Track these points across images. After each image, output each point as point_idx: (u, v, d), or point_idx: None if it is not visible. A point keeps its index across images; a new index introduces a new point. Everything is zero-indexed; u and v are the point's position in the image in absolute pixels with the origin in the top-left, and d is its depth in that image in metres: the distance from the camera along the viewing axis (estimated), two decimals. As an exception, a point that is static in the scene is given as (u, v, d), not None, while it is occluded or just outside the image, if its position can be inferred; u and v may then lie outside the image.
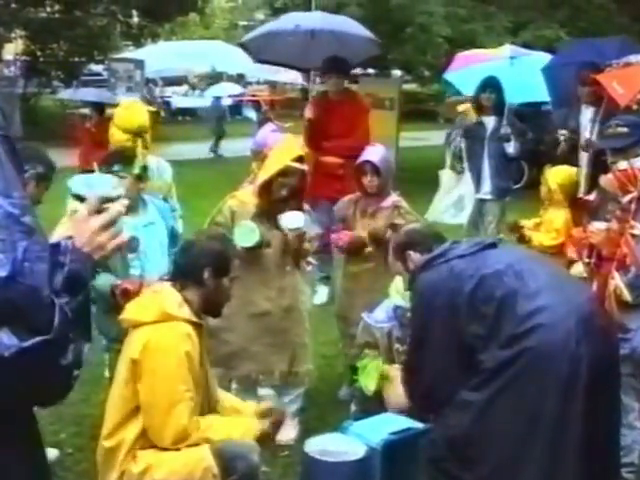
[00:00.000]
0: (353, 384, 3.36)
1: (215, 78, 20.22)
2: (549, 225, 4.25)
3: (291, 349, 3.38)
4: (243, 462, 2.40)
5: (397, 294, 3.19)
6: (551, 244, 4.16)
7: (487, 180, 5.56)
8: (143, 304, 2.52)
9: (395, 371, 3.11)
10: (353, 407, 3.36)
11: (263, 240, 3.23)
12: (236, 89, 18.39)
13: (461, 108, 6.02)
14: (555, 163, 4.64)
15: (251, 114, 17.94)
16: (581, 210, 4.23)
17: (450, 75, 7.59)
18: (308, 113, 5.29)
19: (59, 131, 9.89)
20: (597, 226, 3.04)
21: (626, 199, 2.84)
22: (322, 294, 5.35)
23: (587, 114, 5.02)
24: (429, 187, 8.01)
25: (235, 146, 14.02)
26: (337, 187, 4.73)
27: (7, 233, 1.11)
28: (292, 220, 3.24)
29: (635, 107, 4.40)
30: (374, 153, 3.74)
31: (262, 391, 3.46)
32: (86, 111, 7.93)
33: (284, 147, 3.42)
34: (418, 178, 8.95)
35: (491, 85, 5.59)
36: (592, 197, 3.88)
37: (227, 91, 16.76)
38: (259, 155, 3.67)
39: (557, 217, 4.24)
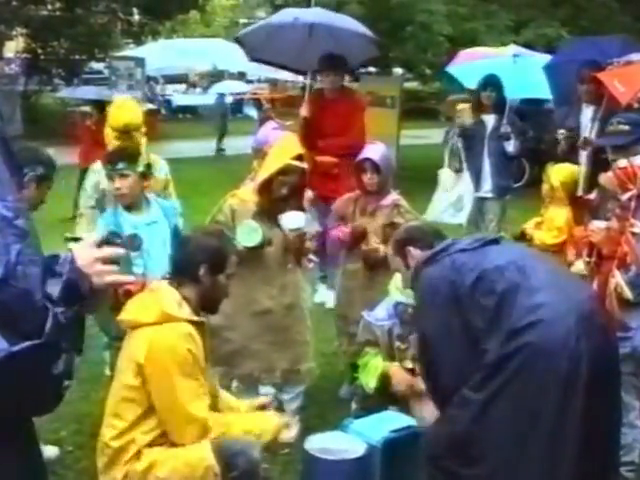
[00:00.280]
0: (354, 382, 3.36)
1: (216, 76, 20.22)
2: (550, 223, 4.25)
3: (293, 347, 3.38)
4: (244, 458, 2.41)
5: (397, 291, 3.19)
6: (553, 242, 4.16)
7: (487, 178, 5.56)
8: (142, 304, 2.51)
9: (397, 370, 3.11)
10: (354, 405, 3.36)
11: (265, 239, 3.23)
12: (241, 86, 18.41)
13: (459, 107, 5.99)
14: (556, 161, 4.64)
15: (252, 112, 17.96)
16: (582, 209, 4.23)
17: (452, 69, 7.58)
18: (303, 111, 5.22)
19: (60, 129, 9.90)
20: (597, 225, 3.04)
21: (626, 197, 2.85)
22: (322, 293, 5.33)
23: (587, 113, 5.02)
24: (430, 185, 8.00)
25: (236, 144, 14.02)
26: (331, 187, 4.68)
27: (0, 236, 1.11)
28: (293, 220, 3.24)
29: (636, 105, 4.40)
30: (374, 151, 3.74)
31: (263, 389, 3.46)
32: (87, 109, 7.93)
33: (284, 145, 3.41)
34: (419, 176, 8.95)
35: (491, 83, 5.58)
36: (593, 196, 3.88)
37: (231, 88, 16.75)
38: (260, 153, 3.66)
39: (559, 215, 4.24)
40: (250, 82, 22.61)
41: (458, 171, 7.54)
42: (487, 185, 5.57)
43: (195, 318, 2.47)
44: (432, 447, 2.44)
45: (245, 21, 28.18)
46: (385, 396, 3.16)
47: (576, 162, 4.75)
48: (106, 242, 1.37)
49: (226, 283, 2.57)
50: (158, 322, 2.41)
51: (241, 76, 21.06)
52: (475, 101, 5.68)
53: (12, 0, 15.41)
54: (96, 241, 1.34)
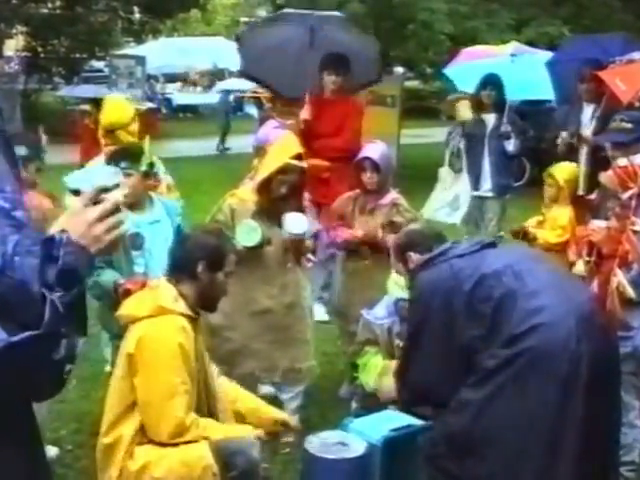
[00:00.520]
0: (354, 381, 3.35)
1: (216, 75, 20.20)
2: (554, 222, 4.24)
3: (294, 346, 3.37)
4: (243, 458, 2.39)
5: (396, 286, 3.19)
6: (557, 241, 4.15)
7: (487, 178, 5.54)
8: (139, 300, 2.52)
9: (385, 380, 3.11)
10: (354, 404, 3.36)
11: (264, 239, 3.23)
12: (246, 84, 18.36)
13: (458, 103, 5.94)
14: (556, 161, 4.63)
15: (252, 111, 17.92)
16: (582, 208, 4.23)
17: (449, 70, 7.58)
18: (304, 114, 4.99)
19: (60, 127, 9.88)
20: (597, 224, 3.04)
21: (626, 195, 2.84)
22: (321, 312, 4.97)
23: (587, 111, 5.02)
24: (430, 185, 7.97)
25: (237, 142, 14.01)
26: (322, 191, 4.55)
27: None
28: (296, 225, 3.24)
29: (637, 104, 4.39)
30: (374, 150, 3.74)
31: (263, 388, 3.46)
32: (87, 108, 7.92)
33: (283, 145, 3.41)
34: (419, 175, 8.92)
35: (492, 82, 5.57)
36: (594, 195, 3.88)
37: (236, 86, 16.70)
38: (261, 151, 3.66)
39: (562, 214, 4.24)
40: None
41: (458, 171, 7.53)
42: (487, 184, 5.56)
43: (189, 313, 2.46)
44: (432, 448, 2.44)
45: (246, 20, 28.17)
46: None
47: (576, 161, 4.75)
48: (103, 190, 1.28)
49: (224, 281, 2.57)
50: (152, 315, 2.41)
51: (241, 74, 21.03)
52: (475, 100, 5.67)
53: (12, -2, 15.40)
54: (90, 197, 1.27)
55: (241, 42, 6.05)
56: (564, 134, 4.91)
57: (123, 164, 3.12)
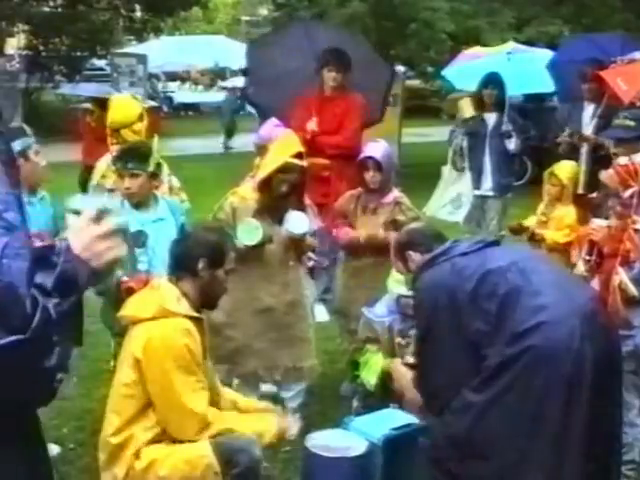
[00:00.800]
0: (354, 380, 3.35)
1: (218, 73, 20.19)
2: (560, 222, 4.23)
3: (295, 344, 3.37)
4: (245, 455, 2.40)
5: (397, 283, 3.18)
6: (566, 240, 4.14)
7: (488, 177, 5.54)
8: (142, 300, 2.52)
9: (398, 365, 3.11)
10: (355, 403, 3.36)
11: (266, 237, 3.23)
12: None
13: (459, 102, 5.93)
14: (558, 160, 4.63)
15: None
16: (583, 207, 4.22)
17: (447, 72, 7.60)
18: (312, 125, 4.68)
19: (61, 126, 9.88)
20: (598, 223, 3.04)
21: (627, 194, 2.84)
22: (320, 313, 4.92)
23: (588, 110, 5.02)
24: (431, 183, 7.98)
25: (239, 141, 14.02)
26: (323, 190, 4.44)
27: None
28: (298, 225, 3.24)
29: (639, 103, 4.39)
30: (376, 149, 3.74)
31: (264, 387, 3.46)
32: (88, 106, 7.91)
33: (283, 143, 3.41)
34: (420, 174, 8.92)
35: (493, 81, 5.56)
36: (594, 194, 3.88)
37: (240, 84, 16.63)
38: (263, 150, 3.65)
39: (568, 213, 4.23)
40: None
41: (461, 169, 7.52)
42: (488, 183, 5.55)
43: (193, 314, 2.47)
44: (435, 449, 2.43)
45: (247, 18, 28.20)
46: (386, 393, 3.15)
47: (577, 160, 4.75)
48: (106, 211, 1.28)
49: (225, 278, 2.57)
50: (156, 317, 2.41)
51: (242, 73, 21.04)
52: (476, 99, 5.67)
53: (14, -3, 15.40)
54: (94, 216, 1.26)
55: (248, 62, 5.61)
56: (564, 133, 4.91)
57: (131, 164, 3.12)
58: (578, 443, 2.21)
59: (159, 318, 2.41)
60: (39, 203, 3.10)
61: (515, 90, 6.37)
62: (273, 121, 3.97)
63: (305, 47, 5.06)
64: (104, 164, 3.66)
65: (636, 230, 2.79)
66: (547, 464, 2.22)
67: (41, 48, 16.57)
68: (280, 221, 3.29)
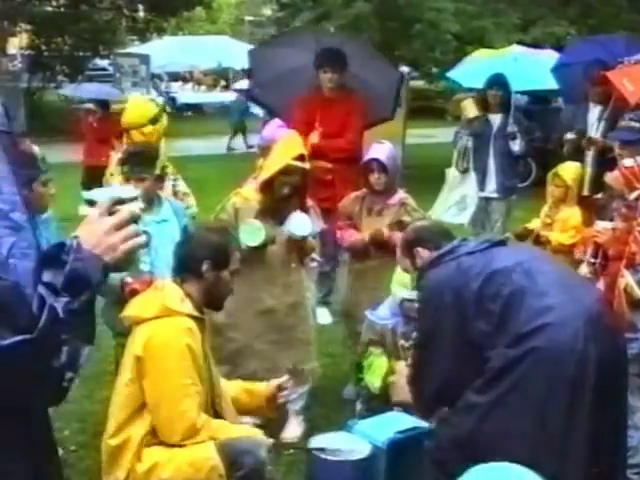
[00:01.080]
0: (358, 382, 3.34)
1: (221, 74, 20.18)
2: (565, 224, 4.22)
3: (296, 346, 3.36)
4: (250, 457, 2.38)
5: (400, 286, 3.17)
6: (571, 242, 4.12)
7: (492, 178, 5.53)
8: (145, 300, 2.51)
9: (401, 367, 3.10)
10: (359, 406, 3.34)
11: (268, 239, 3.22)
12: None
13: (463, 103, 5.91)
14: (562, 161, 4.61)
15: (257, 110, 17.89)
16: (588, 209, 4.21)
17: (453, 73, 7.59)
18: (313, 138, 4.55)
19: (64, 126, 9.88)
20: (603, 225, 3.02)
21: (632, 196, 2.82)
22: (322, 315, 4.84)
23: (595, 112, 5.00)
24: (435, 185, 7.94)
25: (241, 142, 14.02)
26: (326, 194, 4.36)
27: None
28: (300, 227, 3.23)
29: (645, 105, 4.36)
30: (381, 151, 3.72)
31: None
32: (91, 106, 7.91)
33: (286, 145, 3.40)
34: (425, 176, 8.90)
35: (498, 82, 5.55)
36: (599, 195, 3.86)
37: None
38: (266, 151, 3.64)
39: (573, 215, 4.22)
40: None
41: (465, 171, 7.49)
42: (492, 185, 5.54)
43: (196, 313, 2.45)
44: (439, 452, 2.42)
45: (251, 18, 28.21)
46: (390, 396, 3.14)
47: (582, 162, 4.73)
48: (120, 202, 1.26)
49: (230, 279, 2.55)
50: (159, 316, 2.40)
51: (245, 74, 21.03)
52: (481, 100, 5.65)
53: (16, -4, 15.40)
54: (107, 207, 1.24)
55: (251, 63, 5.42)
56: (569, 135, 4.89)
57: (137, 168, 3.12)
58: (581, 446, 2.21)
59: (162, 317, 2.40)
60: (42, 225, 3.10)
61: (521, 87, 6.35)
62: (276, 122, 3.96)
63: (312, 47, 4.96)
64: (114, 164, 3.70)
65: (641, 232, 2.77)
66: (551, 466, 2.20)
67: (43, 48, 16.57)
68: (282, 222, 3.28)
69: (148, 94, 11.46)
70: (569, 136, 4.89)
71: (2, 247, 1.09)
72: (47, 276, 1.13)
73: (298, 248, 3.33)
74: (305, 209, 3.36)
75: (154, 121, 3.80)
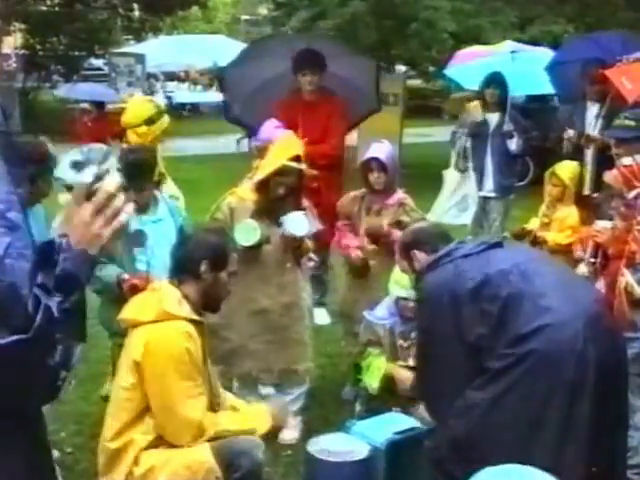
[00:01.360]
0: (357, 383, 3.33)
1: (217, 73, 20.07)
2: (562, 223, 4.21)
3: (291, 347, 3.34)
4: (246, 459, 2.38)
5: (396, 285, 3.17)
6: (568, 242, 4.11)
7: (490, 177, 5.51)
8: (142, 303, 2.49)
9: (399, 368, 3.09)
10: (357, 407, 3.33)
11: (263, 239, 3.20)
12: None
13: (470, 105, 5.87)
14: (561, 160, 4.60)
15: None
16: (587, 208, 4.20)
17: (450, 71, 7.56)
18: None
19: (59, 126, 9.83)
20: (602, 225, 3.01)
21: (631, 195, 2.81)
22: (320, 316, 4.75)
23: (592, 110, 4.99)
24: (433, 184, 7.96)
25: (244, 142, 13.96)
26: (314, 201, 4.07)
27: None
28: (297, 227, 3.22)
29: (643, 103, 4.36)
30: (380, 150, 3.71)
31: (264, 390, 3.43)
32: (86, 106, 7.87)
33: (282, 146, 3.39)
34: (421, 175, 8.90)
35: (495, 81, 5.54)
36: (596, 195, 3.86)
37: None
38: (263, 151, 3.63)
39: (570, 214, 4.21)
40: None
41: (464, 171, 7.48)
42: (490, 184, 5.53)
43: (194, 317, 2.44)
44: (436, 451, 2.41)
45: (247, 18, 28.18)
46: (389, 396, 3.13)
47: (581, 161, 4.72)
48: (97, 180, 1.20)
49: (227, 281, 2.54)
50: (157, 320, 2.38)
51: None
52: (479, 99, 5.64)
53: (11, -5, 15.34)
54: (82, 194, 1.20)
55: (225, 84, 5.19)
56: (570, 132, 4.86)
57: (137, 181, 3.10)
58: (581, 446, 2.20)
59: (160, 321, 2.38)
60: (32, 215, 3.08)
61: (519, 90, 6.33)
62: (274, 122, 3.93)
63: (283, 53, 4.81)
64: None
65: (641, 231, 2.76)
66: (549, 466, 2.19)
67: (38, 47, 16.51)
68: (277, 223, 3.26)
69: (151, 94, 11.45)
70: (570, 133, 4.86)
71: None
72: (40, 276, 1.13)
73: (294, 248, 3.31)
74: (301, 210, 3.34)
75: (149, 122, 3.79)
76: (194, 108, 20.46)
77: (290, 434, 3.31)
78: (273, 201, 3.28)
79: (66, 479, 3.03)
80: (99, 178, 1.20)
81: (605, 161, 3.95)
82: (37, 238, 1.18)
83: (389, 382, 3.11)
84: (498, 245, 2.62)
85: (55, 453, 3.12)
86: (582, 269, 3.41)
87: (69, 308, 1.14)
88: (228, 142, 14.09)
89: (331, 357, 4.19)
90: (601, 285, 2.93)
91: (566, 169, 4.34)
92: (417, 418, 2.82)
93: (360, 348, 3.34)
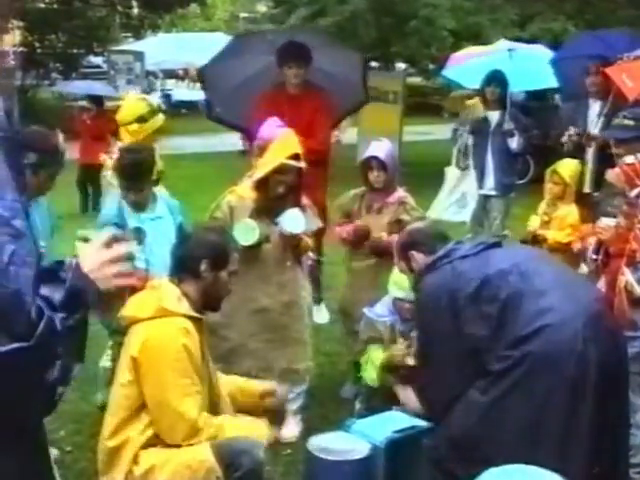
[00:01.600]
0: (358, 381, 3.32)
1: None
2: (562, 222, 4.20)
3: (291, 346, 3.34)
4: (247, 458, 2.36)
5: (395, 285, 3.16)
6: (568, 240, 4.11)
7: (491, 176, 5.51)
8: (141, 300, 2.48)
9: (406, 391, 3.07)
10: (357, 405, 3.33)
11: (262, 238, 3.19)
12: None
13: (470, 102, 5.87)
14: (561, 158, 4.59)
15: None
16: (587, 206, 4.19)
17: (448, 72, 7.55)
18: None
19: (58, 124, 9.81)
20: (605, 222, 3.00)
21: (634, 193, 2.80)
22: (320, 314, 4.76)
23: (595, 108, 4.97)
24: (433, 182, 7.95)
25: (238, 140, 13.92)
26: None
27: None
28: (294, 225, 3.21)
29: (645, 101, 4.34)
30: (380, 148, 3.70)
31: (264, 388, 3.42)
32: (85, 103, 7.87)
33: (281, 144, 3.38)
34: (421, 172, 8.88)
35: (496, 79, 5.53)
36: (596, 193, 3.85)
37: None
38: (263, 150, 3.61)
39: (570, 213, 4.20)
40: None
41: (464, 169, 7.48)
42: (490, 182, 5.52)
43: (193, 314, 2.43)
44: (436, 451, 2.41)
45: (245, 15, 28.10)
46: (389, 389, 3.12)
47: (582, 159, 4.70)
48: (115, 240, 1.32)
49: (228, 280, 2.53)
50: (155, 317, 2.38)
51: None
52: (480, 97, 5.63)
53: (9, -8, 15.27)
54: (104, 241, 1.30)
55: (205, 83, 5.05)
56: (572, 130, 4.84)
57: (136, 183, 3.12)
58: (583, 446, 2.20)
59: (158, 317, 2.37)
60: (35, 209, 3.07)
61: (518, 86, 6.32)
62: (275, 121, 3.91)
63: (265, 49, 4.68)
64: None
65: (642, 230, 2.75)
66: (550, 467, 2.19)
67: (37, 45, 16.49)
68: (275, 222, 3.25)
69: (149, 93, 11.42)
70: (572, 131, 4.84)
71: (3, 254, 1.10)
72: (45, 290, 1.15)
73: (293, 246, 3.30)
74: (301, 208, 3.33)
75: (141, 120, 3.76)
76: (193, 106, 20.44)
77: (290, 432, 3.31)
78: (273, 199, 3.27)
79: (65, 478, 3.03)
80: (118, 239, 1.33)
81: (606, 159, 3.93)
82: (39, 231, 1.20)
83: (388, 366, 3.10)
84: (497, 245, 2.62)
85: (54, 452, 3.11)
86: (584, 268, 3.41)
87: (72, 325, 1.16)
88: (228, 140, 14.08)
89: (330, 356, 4.19)
90: (602, 283, 2.93)
91: (567, 167, 4.33)
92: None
93: (361, 346, 3.34)
